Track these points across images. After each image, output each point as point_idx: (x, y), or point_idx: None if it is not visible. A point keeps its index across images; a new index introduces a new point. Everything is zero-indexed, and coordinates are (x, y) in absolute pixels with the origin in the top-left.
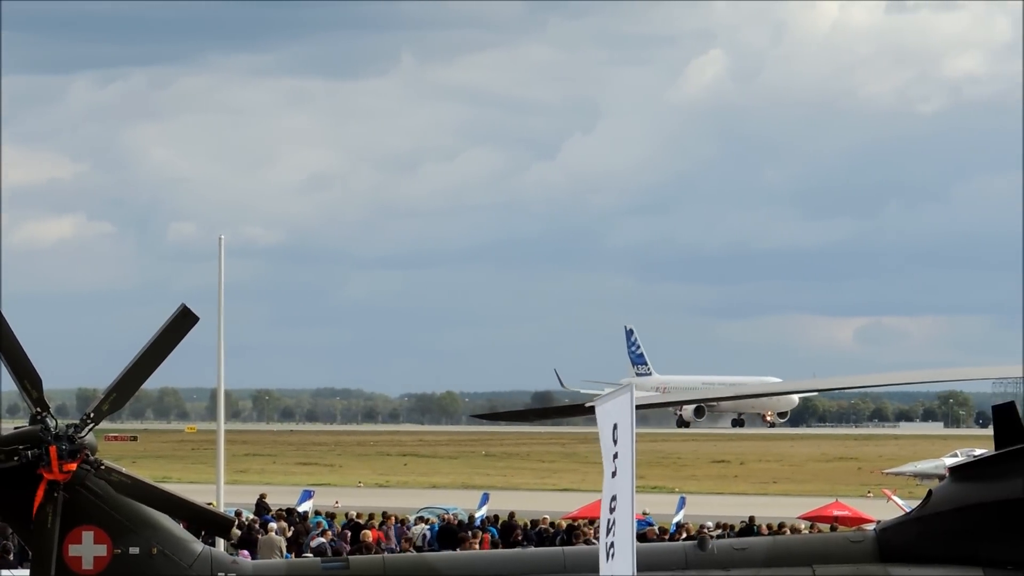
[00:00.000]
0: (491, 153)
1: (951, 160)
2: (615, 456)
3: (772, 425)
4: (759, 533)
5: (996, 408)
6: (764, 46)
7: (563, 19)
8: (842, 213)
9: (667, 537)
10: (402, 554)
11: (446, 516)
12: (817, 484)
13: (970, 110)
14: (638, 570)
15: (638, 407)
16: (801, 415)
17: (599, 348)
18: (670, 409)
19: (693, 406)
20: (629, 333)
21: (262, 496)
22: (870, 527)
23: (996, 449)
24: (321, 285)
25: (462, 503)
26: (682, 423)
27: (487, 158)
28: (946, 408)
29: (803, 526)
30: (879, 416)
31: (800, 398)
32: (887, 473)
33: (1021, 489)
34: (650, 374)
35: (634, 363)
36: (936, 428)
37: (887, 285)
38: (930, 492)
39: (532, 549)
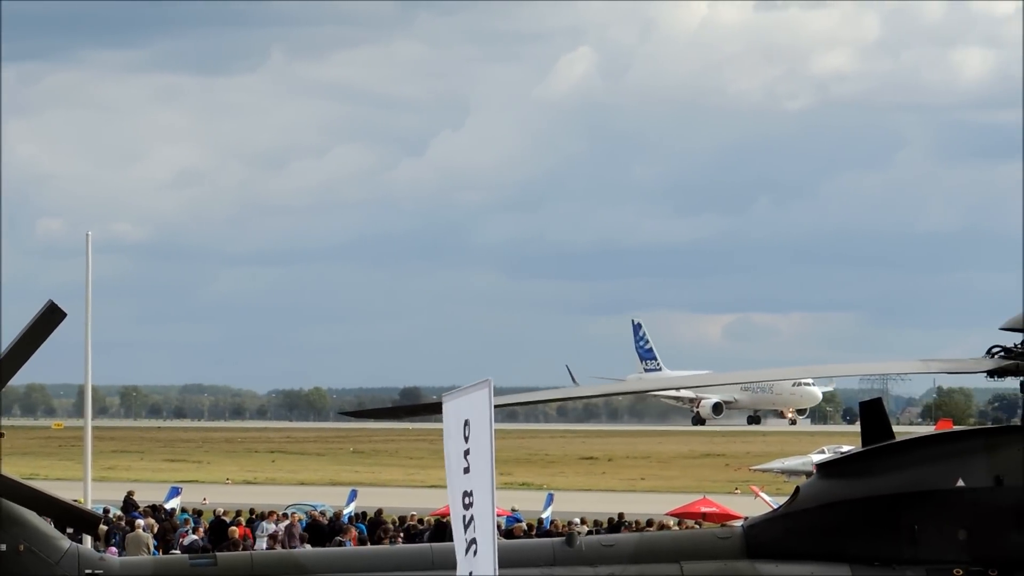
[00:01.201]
0: (360, 150)
1: (819, 157)
2: (467, 452)
3: (793, 422)
4: (627, 530)
5: (863, 404)
6: (633, 43)
7: (433, 16)
8: (711, 210)
9: (535, 533)
10: (270, 551)
11: (314, 513)
12: (685, 481)
13: (837, 107)
14: (506, 567)
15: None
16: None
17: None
18: (686, 406)
19: (712, 403)
20: (637, 327)
21: (130, 493)
22: (738, 524)
23: (863, 446)
24: (189, 281)
25: (330, 500)
26: (698, 420)
27: (356, 155)
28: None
29: (671, 523)
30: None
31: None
32: (755, 470)
33: (887, 485)
34: (660, 369)
35: (643, 358)
36: (804, 424)
37: (756, 282)
38: (797, 489)
39: (400, 546)
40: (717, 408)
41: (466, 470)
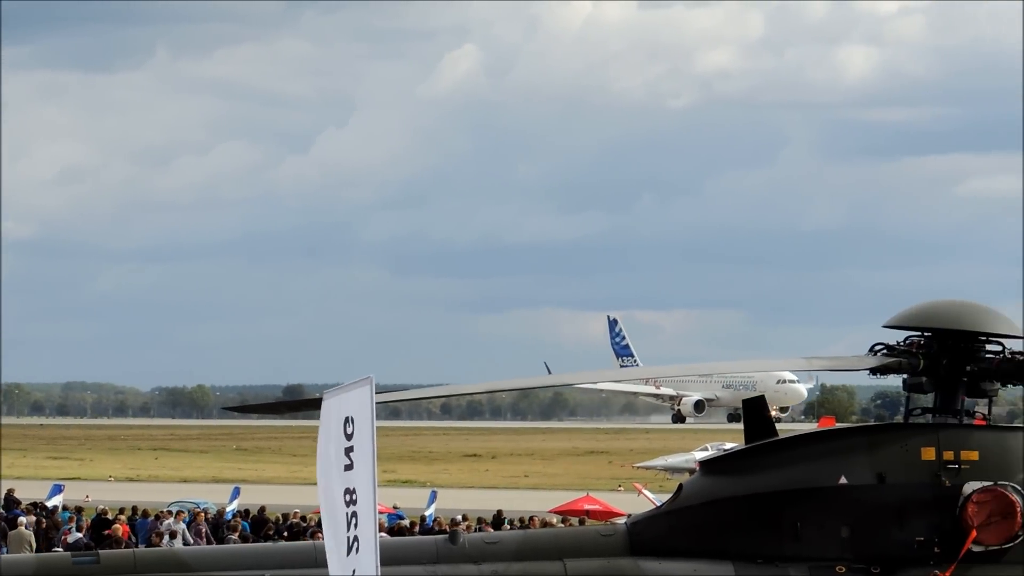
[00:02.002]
0: (245, 147)
1: (703, 155)
2: (349, 450)
3: (777, 420)
4: (509, 527)
5: (746, 402)
6: (517, 41)
7: (318, 13)
8: (595, 207)
9: (418, 531)
10: (153, 548)
11: (197, 510)
12: (568, 478)
13: (721, 105)
14: (388, 565)
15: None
16: (552, 408)
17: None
18: (666, 404)
19: (693, 401)
20: (612, 323)
21: (10, 491)
22: (621, 521)
23: (746, 443)
24: (72, 278)
25: (213, 497)
26: (679, 418)
27: (241, 152)
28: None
29: (554, 520)
30: (630, 410)
31: (554, 392)
32: (638, 467)
33: (770, 483)
34: (637, 366)
35: (618, 355)
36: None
37: (639, 279)
38: (680, 486)
39: (283, 543)
40: (699, 406)
41: (347, 467)
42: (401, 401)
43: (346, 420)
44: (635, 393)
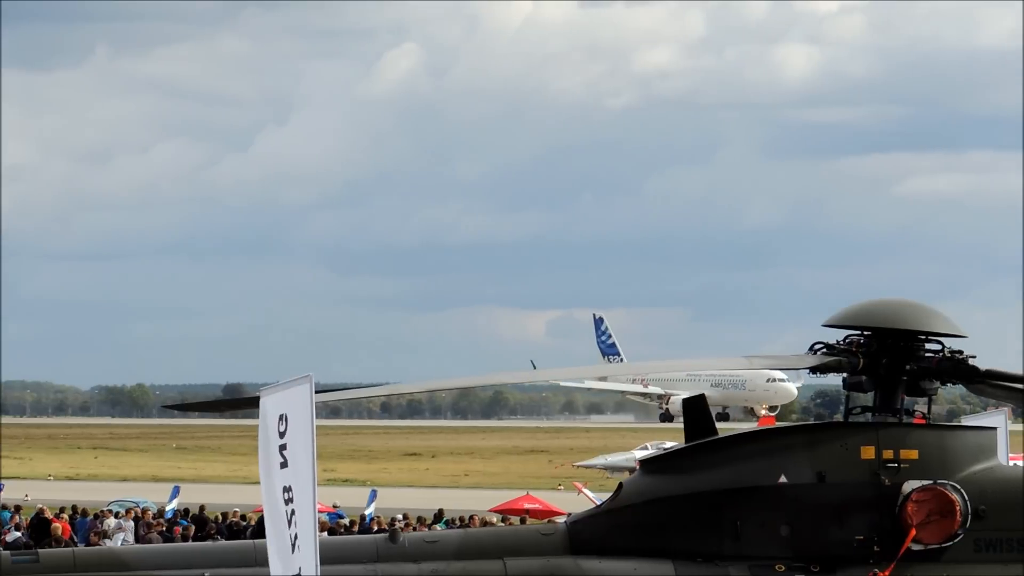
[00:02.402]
0: (185, 146)
1: (642, 154)
2: (283, 447)
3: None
4: (449, 526)
5: (686, 401)
6: (457, 40)
7: (258, 12)
8: (535, 206)
9: (358, 530)
10: (92, 547)
11: (136, 509)
12: (508, 477)
13: (660, 105)
14: (328, 564)
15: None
16: (492, 407)
17: (287, 342)
18: (654, 403)
19: (681, 399)
20: (599, 322)
21: None
22: (561, 520)
23: (686, 442)
24: (12, 277)
25: (153, 496)
26: (667, 417)
27: (180, 151)
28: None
29: (494, 519)
30: (570, 409)
31: (494, 391)
32: (578, 466)
33: (710, 481)
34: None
35: (604, 353)
36: (627, 420)
37: (579, 278)
38: (621, 485)
39: (223, 542)
40: None
41: (283, 465)
42: (342, 400)
43: (280, 418)
44: (623, 392)
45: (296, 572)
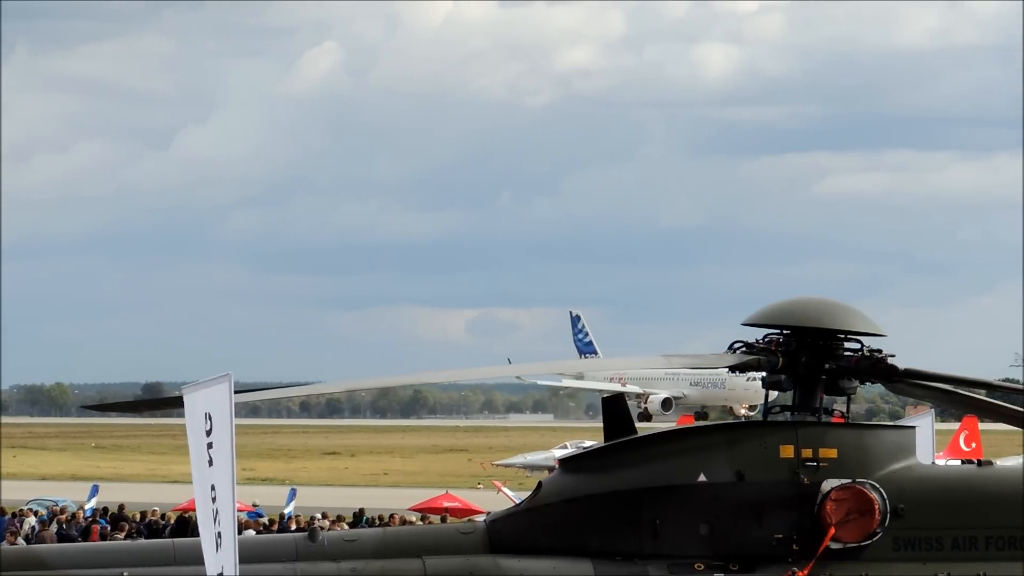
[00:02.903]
0: (104, 144)
1: (562, 153)
2: (209, 446)
3: (746, 419)
4: (369, 525)
5: (605, 400)
6: (378, 39)
7: (178, 11)
8: (455, 205)
9: (277, 528)
10: (11, 547)
11: (55, 508)
12: (428, 476)
13: (580, 103)
14: (247, 563)
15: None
16: (411, 406)
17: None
18: (633, 402)
19: (661, 399)
20: (575, 320)
21: None
22: (480, 519)
23: (605, 441)
24: None
25: (72, 495)
26: (646, 417)
27: (100, 149)
28: (556, 400)
29: (414, 518)
30: (489, 407)
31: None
32: (497, 465)
33: (629, 480)
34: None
35: (582, 352)
36: (546, 420)
37: (499, 276)
38: (540, 484)
39: (142, 541)
40: (666, 404)
41: (209, 463)
42: (261, 400)
43: (205, 416)
44: (599, 391)
45: (219, 572)
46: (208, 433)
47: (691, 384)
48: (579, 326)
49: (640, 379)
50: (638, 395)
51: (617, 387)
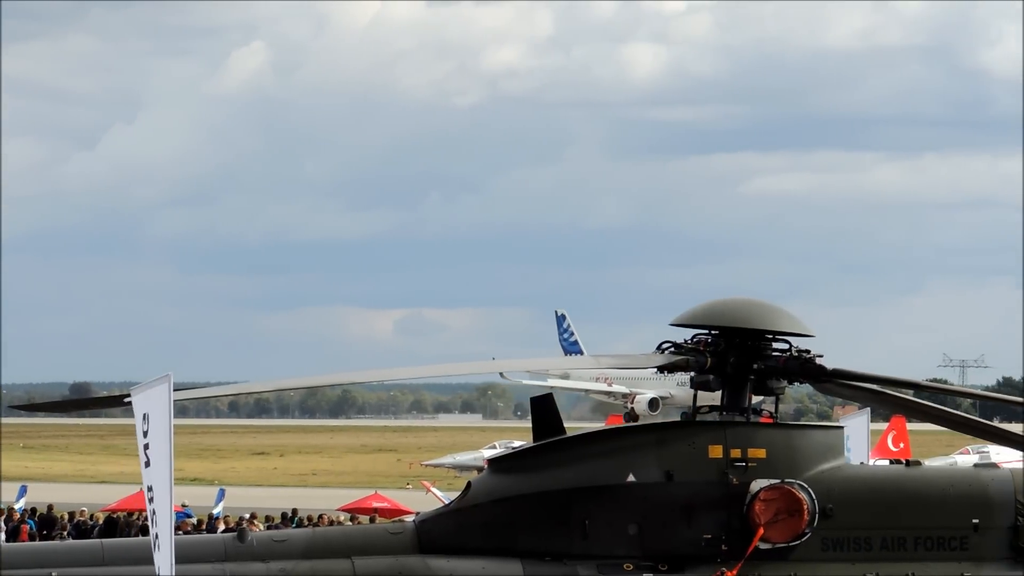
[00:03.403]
0: (32, 143)
1: (490, 153)
2: (147, 447)
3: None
4: (299, 525)
5: (534, 400)
6: (306, 38)
7: (105, 10)
8: (383, 205)
9: (206, 528)
10: None
11: None
12: (356, 476)
13: (508, 103)
14: (176, 563)
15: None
16: (340, 406)
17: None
18: (619, 402)
19: (648, 399)
20: (561, 319)
21: None
22: (409, 519)
23: (534, 441)
24: None
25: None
26: (632, 417)
27: (28, 149)
28: (485, 400)
29: (343, 518)
30: (418, 408)
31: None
32: (426, 465)
33: (558, 480)
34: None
35: (567, 351)
36: (475, 420)
37: (427, 277)
38: (469, 484)
39: (70, 541)
40: (653, 404)
41: (146, 464)
42: (192, 399)
43: (144, 417)
44: (585, 391)
45: (155, 571)
46: (145, 434)
47: (678, 384)
48: (564, 325)
49: (626, 379)
50: (624, 395)
51: (603, 386)
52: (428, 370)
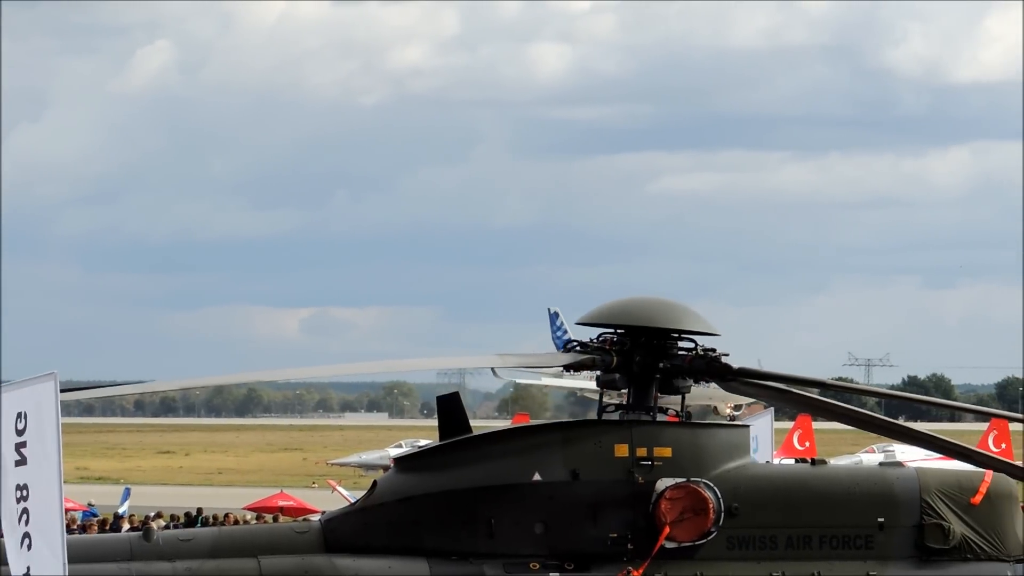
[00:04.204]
0: None
1: (395, 152)
2: (21, 445)
3: (732, 419)
4: (205, 524)
5: (440, 399)
6: (211, 37)
7: (10, 9)
8: (288, 204)
9: (111, 528)
10: None
11: None
12: (262, 475)
13: (413, 103)
14: (80, 563)
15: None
16: (246, 405)
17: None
18: (613, 401)
19: None
20: (554, 316)
21: None
22: (315, 518)
23: (440, 440)
24: None
25: None
26: None
27: None
28: (391, 399)
29: (249, 517)
30: (324, 407)
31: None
32: (333, 464)
33: (465, 479)
34: None
35: (559, 349)
36: (381, 419)
37: (334, 276)
38: (375, 483)
39: None
40: None
41: (19, 463)
42: (92, 398)
43: (18, 415)
44: (580, 390)
45: (24, 571)
46: (21, 432)
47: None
48: (557, 323)
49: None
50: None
51: (592, 384)
52: (333, 369)
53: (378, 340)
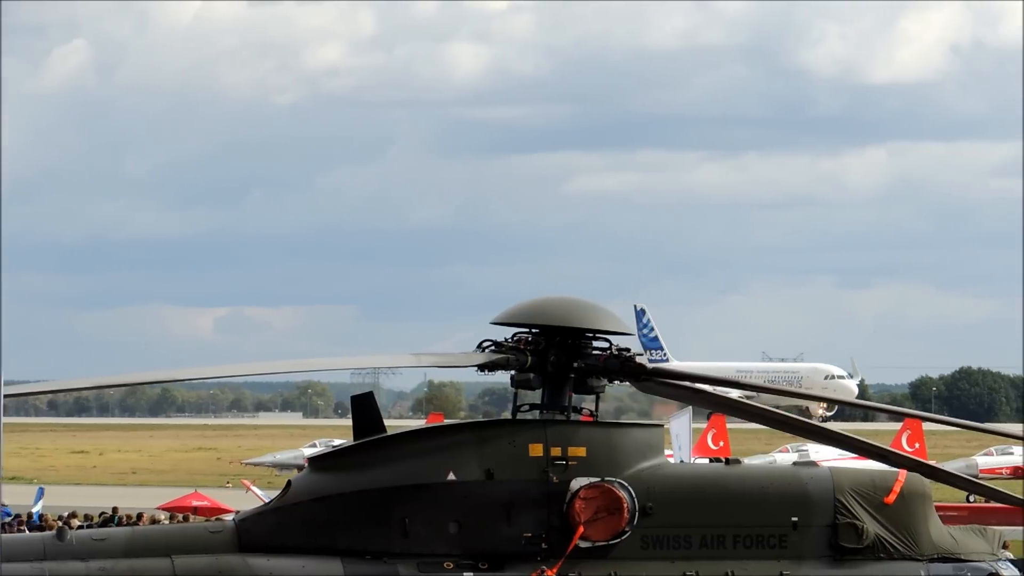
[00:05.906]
0: None
1: (311, 152)
2: None
3: (825, 419)
4: (119, 524)
5: (355, 399)
6: (127, 37)
7: None
8: (204, 203)
9: (25, 528)
10: None
11: None
12: (176, 475)
13: (329, 102)
14: None
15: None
16: (160, 405)
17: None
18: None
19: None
20: (640, 313)
21: None
22: (229, 518)
23: (355, 439)
24: None
25: None
26: None
27: None
28: (305, 398)
29: (163, 516)
30: (238, 407)
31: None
32: (247, 463)
33: (379, 479)
34: (667, 360)
35: (647, 347)
36: (295, 418)
37: (248, 275)
38: (289, 483)
39: None
40: None
41: None
42: (16, 396)
43: None
44: None
45: None
46: None
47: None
48: (644, 320)
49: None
50: None
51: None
52: (248, 368)
53: (293, 340)
